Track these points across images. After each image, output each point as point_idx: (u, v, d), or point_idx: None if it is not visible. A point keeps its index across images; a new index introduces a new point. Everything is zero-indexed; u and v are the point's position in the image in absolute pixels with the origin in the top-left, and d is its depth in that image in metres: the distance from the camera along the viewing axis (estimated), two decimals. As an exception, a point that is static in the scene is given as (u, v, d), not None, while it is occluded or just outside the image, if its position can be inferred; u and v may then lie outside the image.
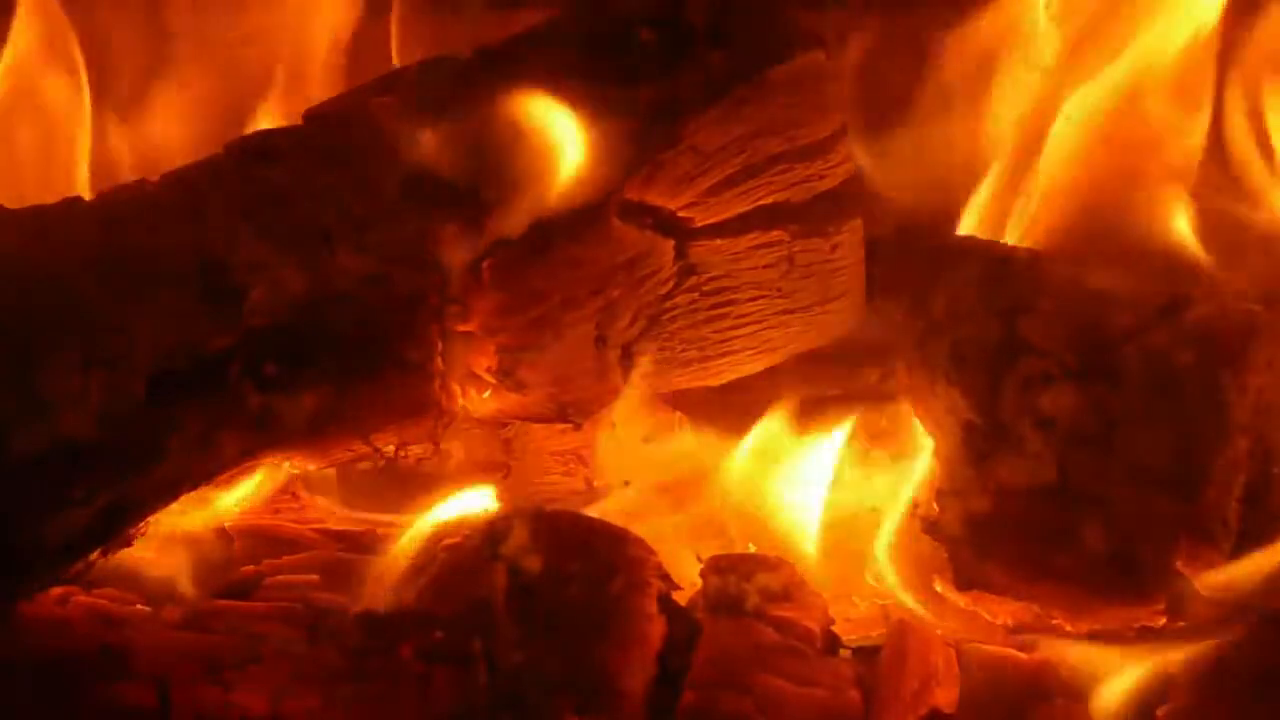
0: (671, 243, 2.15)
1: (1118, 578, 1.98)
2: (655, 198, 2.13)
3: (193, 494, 2.01)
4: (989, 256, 2.11)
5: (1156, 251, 2.25)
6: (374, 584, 2.04)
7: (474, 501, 2.18)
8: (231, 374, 1.96)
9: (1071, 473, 2.00)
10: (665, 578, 2.00)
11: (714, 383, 2.23)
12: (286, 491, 2.24)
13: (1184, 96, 2.31)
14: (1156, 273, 2.15)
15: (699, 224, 2.16)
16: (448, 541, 2.03)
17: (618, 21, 2.18)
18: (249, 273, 1.97)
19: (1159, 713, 1.92)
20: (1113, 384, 2.00)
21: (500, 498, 2.22)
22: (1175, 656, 1.93)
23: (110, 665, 1.91)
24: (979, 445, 2.03)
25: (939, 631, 2.03)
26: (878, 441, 2.24)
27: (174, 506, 2.02)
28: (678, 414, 2.32)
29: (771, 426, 2.24)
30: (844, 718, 1.91)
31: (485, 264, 2.06)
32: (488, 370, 2.09)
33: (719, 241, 2.17)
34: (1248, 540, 1.98)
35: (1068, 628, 2.02)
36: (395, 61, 2.46)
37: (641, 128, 2.10)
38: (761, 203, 2.18)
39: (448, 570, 1.99)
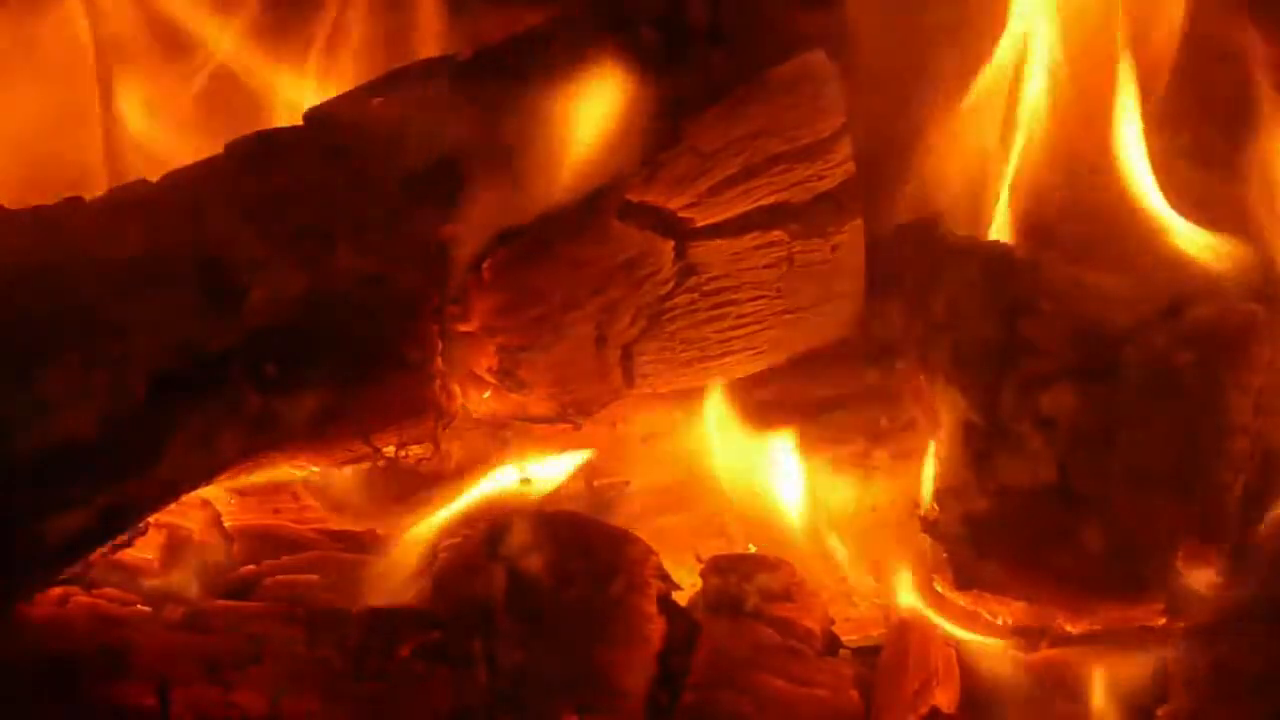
0: (671, 243, 2.15)
1: (1118, 578, 1.98)
2: (655, 198, 2.13)
3: (192, 494, 2.01)
4: (989, 256, 2.11)
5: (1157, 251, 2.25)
6: (374, 584, 2.04)
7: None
8: (231, 374, 1.96)
9: (1071, 473, 2.00)
10: (665, 578, 2.00)
11: (714, 382, 2.23)
12: (286, 491, 2.24)
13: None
14: (1157, 273, 2.15)
15: (699, 224, 2.16)
16: (448, 541, 2.03)
17: (618, 21, 2.18)
18: (249, 273, 1.97)
19: (1159, 713, 1.92)
20: (1113, 384, 2.00)
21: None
22: (1175, 657, 1.93)
23: (110, 665, 1.91)
24: (979, 445, 2.03)
25: (939, 632, 2.03)
26: (878, 441, 2.24)
27: (174, 506, 2.02)
28: (678, 414, 2.32)
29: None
30: (844, 718, 1.91)
31: (485, 264, 2.06)
32: (488, 370, 2.09)
33: (719, 241, 2.17)
34: (1248, 540, 1.98)
35: (1068, 628, 2.02)
36: (394, 62, 2.45)
37: (642, 128, 2.11)
38: (761, 203, 2.18)
39: (448, 570, 1.99)
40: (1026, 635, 2.04)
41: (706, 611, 2.00)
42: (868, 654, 2.02)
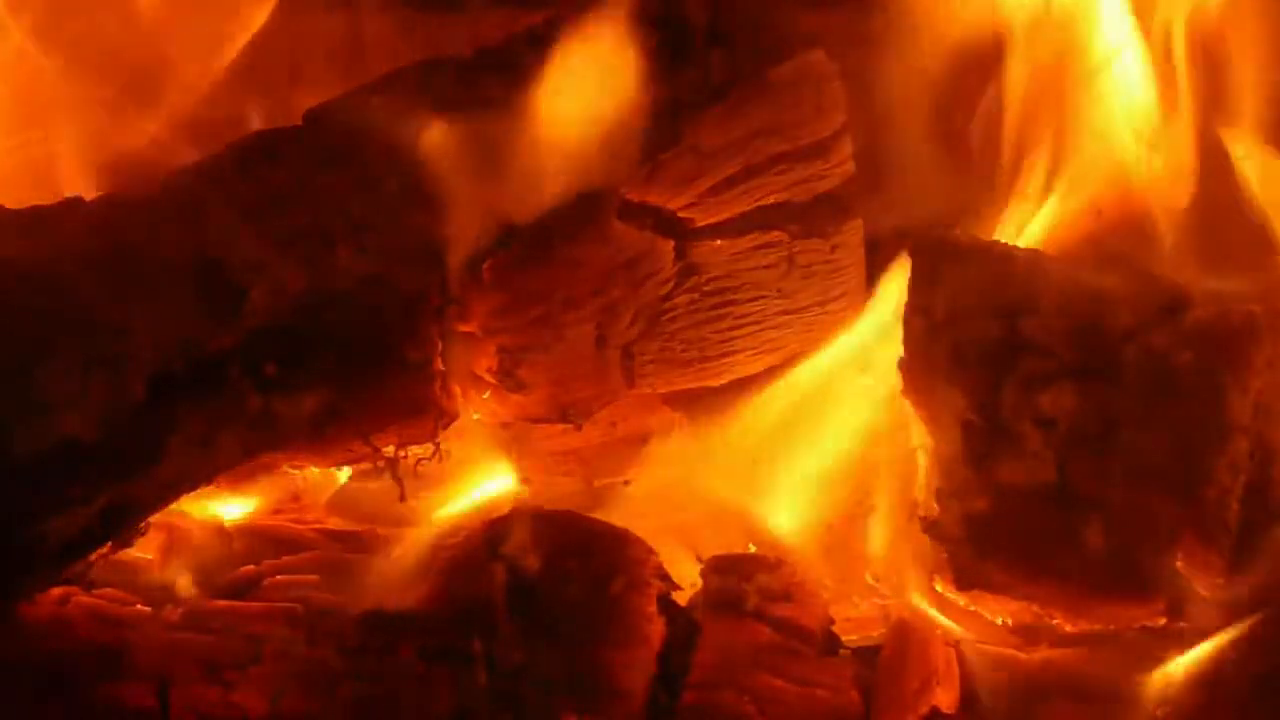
0: (671, 243, 2.15)
1: (1118, 578, 1.98)
2: (655, 198, 2.13)
3: (192, 494, 2.01)
4: (989, 256, 2.11)
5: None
6: (374, 584, 2.04)
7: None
8: (231, 374, 1.96)
9: (1071, 473, 2.00)
10: (665, 578, 2.00)
11: (714, 383, 2.23)
12: (286, 492, 2.24)
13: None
14: (1156, 273, 2.15)
15: (699, 224, 2.16)
16: (448, 541, 2.03)
17: (615, 22, 2.18)
18: (249, 273, 1.97)
19: (1159, 713, 1.92)
20: (1113, 384, 2.00)
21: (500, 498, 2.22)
22: (1175, 656, 1.94)
23: (110, 665, 1.91)
24: (979, 445, 2.03)
25: (939, 632, 2.03)
26: (876, 441, 2.24)
27: (174, 506, 2.02)
28: (678, 414, 2.32)
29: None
30: (844, 718, 1.91)
31: (485, 265, 2.07)
32: (488, 370, 2.09)
33: (719, 242, 2.17)
34: (1248, 540, 1.98)
35: (1068, 628, 2.03)
36: (395, 62, 2.45)
37: (642, 128, 2.11)
38: (762, 203, 2.19)
39: (448, 570, 1.99)
40: (1026, 635, 2.04)
41: (706, 611, 2.00)
42: (868, 654, 2.02)
